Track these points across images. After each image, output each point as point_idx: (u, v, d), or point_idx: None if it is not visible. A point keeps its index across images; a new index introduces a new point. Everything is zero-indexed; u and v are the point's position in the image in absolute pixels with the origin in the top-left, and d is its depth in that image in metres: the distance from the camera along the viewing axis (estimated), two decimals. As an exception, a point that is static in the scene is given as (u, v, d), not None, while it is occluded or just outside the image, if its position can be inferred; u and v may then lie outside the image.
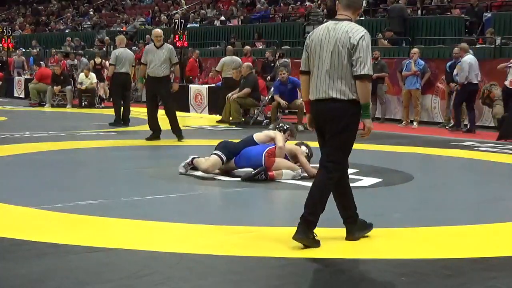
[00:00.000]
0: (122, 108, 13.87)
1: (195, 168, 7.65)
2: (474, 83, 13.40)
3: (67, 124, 14.30)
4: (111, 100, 15.55)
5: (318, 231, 5.13)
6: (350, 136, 4.64)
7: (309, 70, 4.73)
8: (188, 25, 23.99)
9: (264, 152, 7.50)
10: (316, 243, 4.59)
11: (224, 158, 7.58)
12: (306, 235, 4.57)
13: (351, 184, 7.19)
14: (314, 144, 8.26)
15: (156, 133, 11.32)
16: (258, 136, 7.87)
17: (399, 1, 18.98)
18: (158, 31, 11.60)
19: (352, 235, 4.81)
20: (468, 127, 13.68)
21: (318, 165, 7.78)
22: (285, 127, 8.08)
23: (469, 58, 13.39)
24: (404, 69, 14.87)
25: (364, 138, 4.70)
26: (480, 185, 7.97)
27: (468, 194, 7.21)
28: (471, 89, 13.44)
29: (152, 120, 11.30)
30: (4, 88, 24.50)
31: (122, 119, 13.81)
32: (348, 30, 4.59)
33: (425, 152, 10.45)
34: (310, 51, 4.70)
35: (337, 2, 4.80)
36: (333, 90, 4.56)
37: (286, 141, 7.96)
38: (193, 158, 7.63)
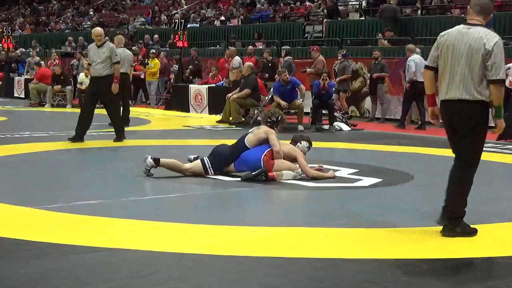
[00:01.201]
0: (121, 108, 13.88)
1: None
2: (420, 81, 13.70)
3: (67, 124, 14.26)
4: None
5: (318, 231, 5.14)
6: (480, 135, 5.00)
7: (436, 66, 5.05)
8: (188, 25, 23.98)
9: (262, 156, 7.45)
10: (469, 233, 5.00)
11: (211, 171, 7.51)
12: (453, 231, 4.97)
13: (350, 184, 7.29)
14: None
15: (80, 135, 10.74)
16: (249, 139, 7.71)
17: (391, 2, 18.98)
18: (98, 29, 11.43)
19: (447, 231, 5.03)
20: (419, 124, 14.28)
21: (316, 165, 7.85)
22: (275, 120, 7.82)
23: (415, 58, 13.95)
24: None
25: (496, 134, 5.17)
26: (480, 185, 7.93)
27: (468, 194, 7.20)
28: (418, 87, 13.79)
29: (81, 122, 10.78)
30: (4, 88, 24.49)
31: (122, 119, 13.78)
32: (482, 35, 4.85)
33: (425, 152, 10.45)
34: (441, 51, 5.00)
35: (468, 7, 5.08)
36: (463, 92, 4.90)
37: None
38: (156, 159, 7.39)
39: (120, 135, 10.95)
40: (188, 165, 7.57)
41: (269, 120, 7.85)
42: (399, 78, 15.48)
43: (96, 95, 11.00)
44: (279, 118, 7.87)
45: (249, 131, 7.93)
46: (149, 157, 7.42)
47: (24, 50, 27.57)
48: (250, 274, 4.08)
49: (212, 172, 7.54)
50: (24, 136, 11.47)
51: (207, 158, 7.58)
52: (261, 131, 7.78)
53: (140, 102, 20.86)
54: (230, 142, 8.02)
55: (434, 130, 13.00)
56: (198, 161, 7.60)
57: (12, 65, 25.24)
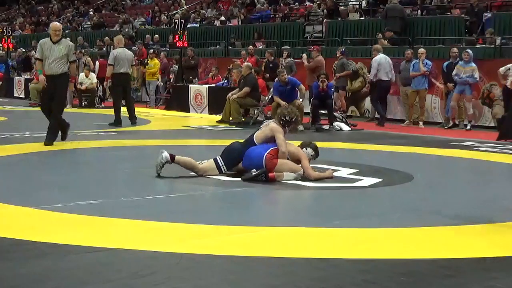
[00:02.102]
0: (122, 108, 13.97)
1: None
2: (384, 80, 14.89)
3: (67, 124, 14.28)
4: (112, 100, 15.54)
5: (318, 231, 5.15)
6: None
7: None
8: (188, 25, 23.97)
9: (266, 154, 7.40)
10: None
11: (224, 168, 7.50)
12: None
13: (350, 184, 7.29)
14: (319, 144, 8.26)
15: (63, 133, 10.51)
16: (257, 136, 7.67)
17: (394, 1, 18.98)
18: (56, 24, 10.78)
19: None
20: (379, 121, 14.96)
21: (321, 166, 7.84)
22: (289, 120, 7.66)
23: (380, 58, 14.89)
24: (411, 69, 14.86)
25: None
26: (480, 185, 7.97)
27: (468, 194, 7.21)
28: (383, 86, 14.96)
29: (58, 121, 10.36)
30: (4, 88, 24.49)
31: (129, 118, 13.91)
32: None
33: (425, 152, 10.45)
34: None
35: None
36: None
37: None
38: (171, 156, 7.31)
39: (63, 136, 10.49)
40: (202, 165, 7.53)
41: (282, 118, 7.68)
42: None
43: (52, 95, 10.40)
44: (293, 120, 7.70)
45: (260, 127, 7.89)
46: (165, 152, 7.32)
47: (23, 49, 27.60)
48: (250, 274, 4.08)
49: (225, 170, 7.51)
50: (24, 136, 11.46)
51: (219, 157, 7.55)
52: (268, 128, 7.67)
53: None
54: (231, 142, 8.00)
55: (484, 134, 13.00)
56: (211, 160, 7.56)
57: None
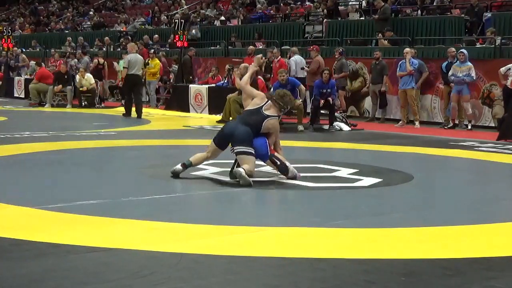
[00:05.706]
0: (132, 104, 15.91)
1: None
2: (300, 77, 15.68)
3: (67, 124, 14.30)
4: (123, 97, 17.64)
5: (318, 231, 5.15)
6: None
7: None
8: (191, 31, 23.94)
9: (267, 142, 7.48)
10: None
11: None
12: None
13: (350, 184, 7.29)
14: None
15: None
16: (264, 128, 7.57)
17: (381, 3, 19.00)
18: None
19: None
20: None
21: (321, 166, 7.81)
22: (287, 109, 7.85)
23: (296, 58, 16.40)
24: (398, 69, 14.90)
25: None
26: (480, 185, 7.97)
27: (468, 194, 7.21)
28: (301, 82, 15.72)
29: None
30: (4, 88, 24.48)
31: (136, 113, 15.75)
32: None
33: (425, 152, 10.45)
34: None
35: None
36: None
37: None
38: (184, 165, 7.34)
39: None
40: (249, 167, 7.27)
41: (285, 106, 7.74)
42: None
43: None
44: (288, 109, 8.04)
45: (266, 113, 7.64)
46: (178, 165, 7.37)
47: (23, 49, 27.59)
48: (250, 274, 4.08)
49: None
50: (24, 136, 11.47)
51: (246, 147, 7.37)
52: (271, 123, 7.61)
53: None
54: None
55: (484, 134, 13.00)
56: (212, 144, 7.65)
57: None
